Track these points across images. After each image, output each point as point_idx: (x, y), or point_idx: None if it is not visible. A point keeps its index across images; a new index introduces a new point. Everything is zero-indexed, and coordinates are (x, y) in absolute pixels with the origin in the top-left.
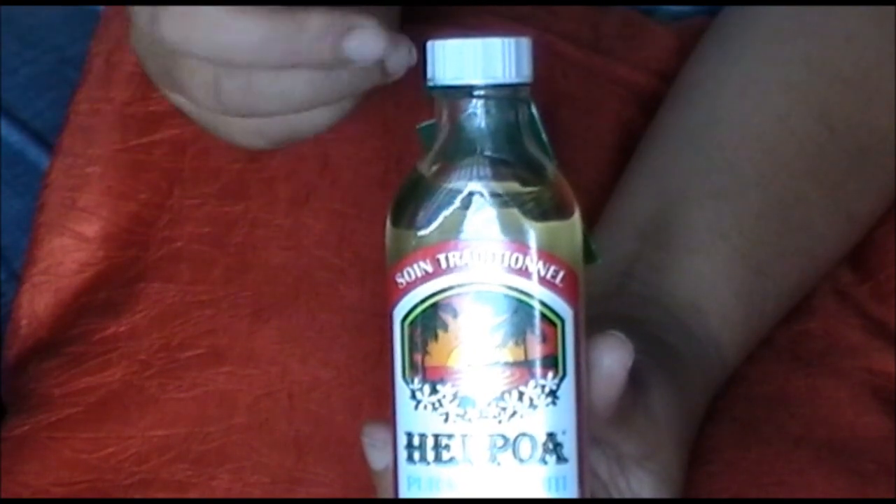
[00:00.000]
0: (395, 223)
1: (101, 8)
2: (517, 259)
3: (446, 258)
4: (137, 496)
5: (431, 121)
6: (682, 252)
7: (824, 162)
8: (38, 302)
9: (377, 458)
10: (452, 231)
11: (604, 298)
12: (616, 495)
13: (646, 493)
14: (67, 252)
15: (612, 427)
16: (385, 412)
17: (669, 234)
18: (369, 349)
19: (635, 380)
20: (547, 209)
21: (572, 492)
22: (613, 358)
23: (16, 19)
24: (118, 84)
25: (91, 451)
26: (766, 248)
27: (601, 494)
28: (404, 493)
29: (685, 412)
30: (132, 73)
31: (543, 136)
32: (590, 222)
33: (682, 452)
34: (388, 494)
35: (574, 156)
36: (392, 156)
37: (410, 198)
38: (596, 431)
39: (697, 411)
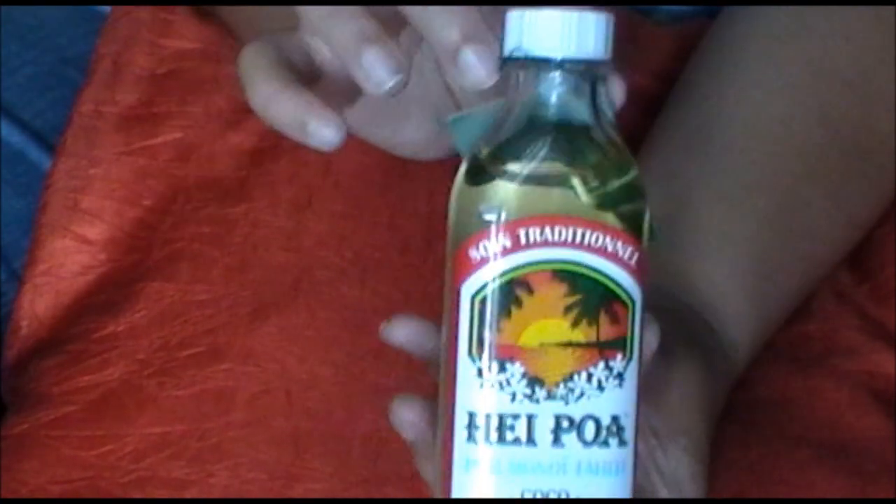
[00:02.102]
0: (464, 199)
1: (107, 8)
2: (596, 238)
3: (526, 233)
4: (135, 493)
5: (464, 112)
6: (693, 255)
7: (826, 164)
8: (38, 303)
9: (407, 432)
10: (531, 207)
11: None
12: (654, 472)
13: (682, 471)
14: (69, 254)
15: (647, 401)
16: (382, 411)
17: (679, 235)
18: (369, 347)
19: (667, 354)
20: (621, 194)
21: (629, 476)
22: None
23: (16, 19)
24: (124, 86)
25: (89, 448)
26: (772, 252)
27: (640, 471)
28: (461, 474)
29: (711, 392)
30: (139, 76)
31: (612, 115)
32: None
33: (708, 430)
34: (426, 457)
35: None
36: (395, 160)
37: (484, 172)
38: None
39: (721, 396)
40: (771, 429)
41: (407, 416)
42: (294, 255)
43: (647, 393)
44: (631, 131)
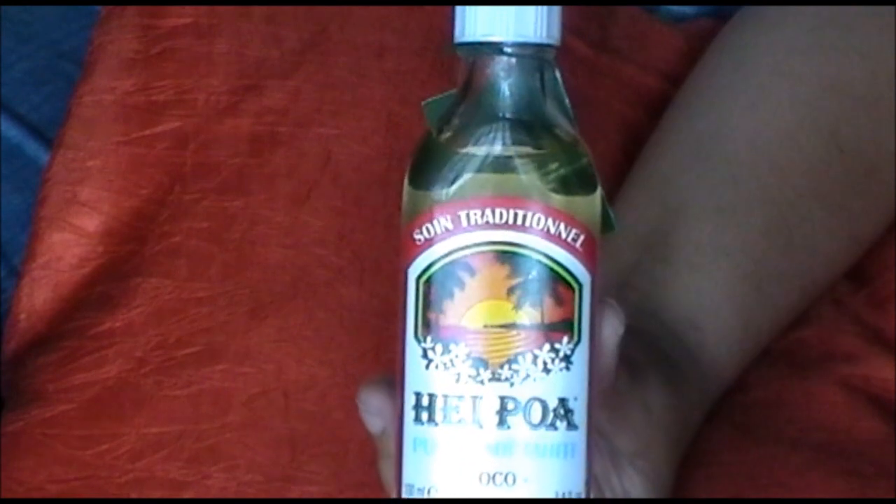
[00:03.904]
0: (413, 183)
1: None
2: (538, 219)
3: (467, 216)
4: (132, 494)
5: (439, 96)
6: (683, 267)
7: (831, 181)
8: (37, 296)
9: (373, 423)
10: (472, 191)
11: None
12: (608, 492)
13: (636, 494)
14: (67, 247)
15: (608, 417)
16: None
17: (671, 247)
18: (366, 348)
19: (630, 368)
20: (569, 182)
21: (580, 460)
22: (605, 324)
23: (11, 15)
24: (120, 73)
25: (85, 447)
26: (768, 266)
27: (593, 489)
28: (409, 455)
29: (681, 419)
30: (133, 59)
31: (567, 103)
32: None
33: (674, 457)
34: (389, 456)
35: None
36: (395, 154)
37: (430, 157)
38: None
39: (692, 423)
40: (768, 431)
41: (374, 401)
42: (292, 252)
43: (611, 410)
44: (637, 132)
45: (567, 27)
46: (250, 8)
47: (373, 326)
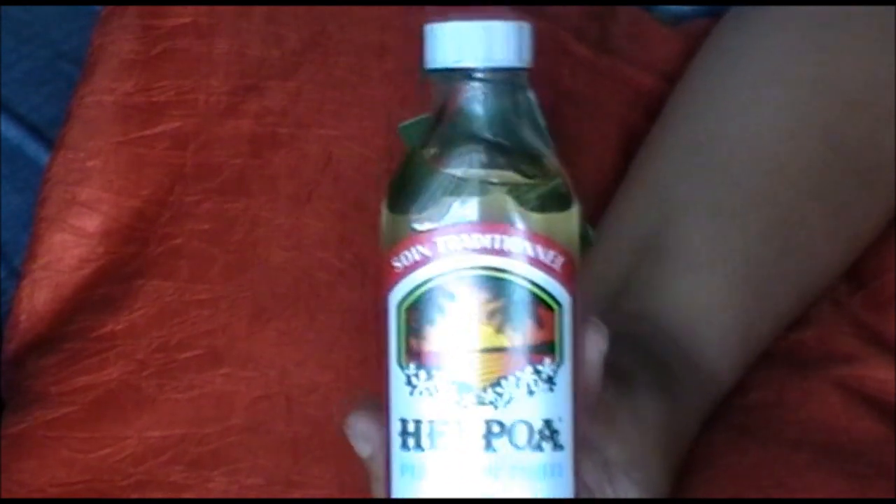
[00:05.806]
0: (392, 208)
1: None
2: (514, 243)
3: (445, 242)
4: (134, 497)
5: (414, 119)
6: (680, 271)
7: (828, 183)
8: (37, 297)
9: (361, 448)
10: (450, 216)
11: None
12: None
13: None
14: (67, 248)
15: (597, 428)
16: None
17: (668, 251)
18: (369, 352)
19: (618, 377)
20: (545, 201)
21: (567, 480)
22: (589, 343)
23: (11, 15)
24: (120, 73)
25: (87, 450)
26: (766, 270)
27: (587, 497)
28: (397, 481)
29: (676, 424)
30: (134, 60)
31: (542, 123)
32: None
33: (669, 464)
34: (380, 479)
35: (577, 157)
36: (396, 155)
37: (407, 183)
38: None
39: (688, 430)
40: (767, 432)
41: (361, 426)
42: (293, 254)
43: (602, 421)
44: (635, 133)
45: (567, 27)
46: (250, 8)
47: (374, 329)
